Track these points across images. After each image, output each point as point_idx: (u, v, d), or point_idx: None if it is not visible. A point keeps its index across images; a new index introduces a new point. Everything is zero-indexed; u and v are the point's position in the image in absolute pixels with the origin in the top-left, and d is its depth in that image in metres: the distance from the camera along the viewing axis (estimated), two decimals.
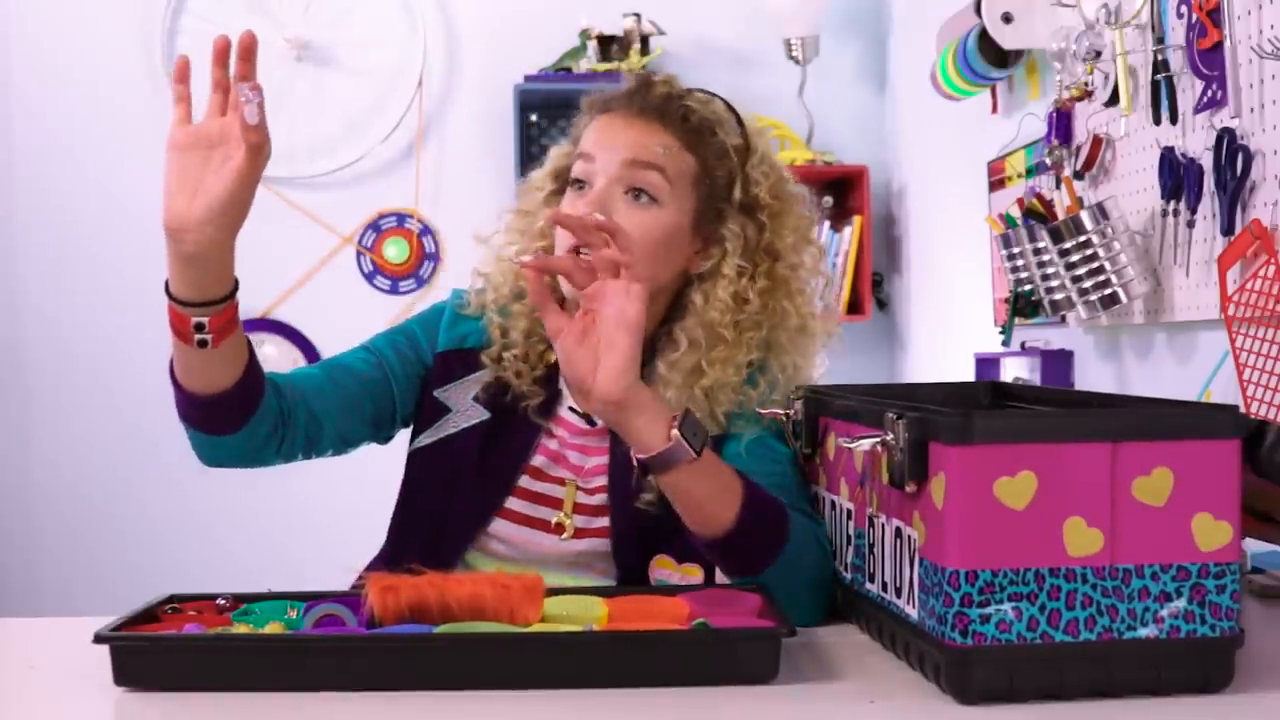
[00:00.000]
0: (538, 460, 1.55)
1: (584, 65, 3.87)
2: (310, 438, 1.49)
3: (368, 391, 1.54)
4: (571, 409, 1.57)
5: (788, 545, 1.32)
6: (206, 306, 1.30)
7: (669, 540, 1.46)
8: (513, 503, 1.55)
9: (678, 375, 1.50)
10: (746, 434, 1.50)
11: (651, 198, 1.49)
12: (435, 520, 1.56)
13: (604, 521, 1.53)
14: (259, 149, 1.25)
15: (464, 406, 1.56)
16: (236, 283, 1.33)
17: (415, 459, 1.59)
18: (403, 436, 1.65)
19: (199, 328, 1.30)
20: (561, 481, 1.55)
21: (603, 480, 1.54)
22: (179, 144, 1.30)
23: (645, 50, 3.89)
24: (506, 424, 1.55)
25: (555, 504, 1.54)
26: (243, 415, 1.40)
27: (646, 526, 1.50)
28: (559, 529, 1.53)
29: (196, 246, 1.27)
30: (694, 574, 1.45)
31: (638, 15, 3.89)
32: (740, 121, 1.60)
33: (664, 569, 1.47)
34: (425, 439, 1.57)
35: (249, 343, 1.39)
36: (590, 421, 1.57)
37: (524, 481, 1.55)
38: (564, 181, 1.57)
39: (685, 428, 1.26)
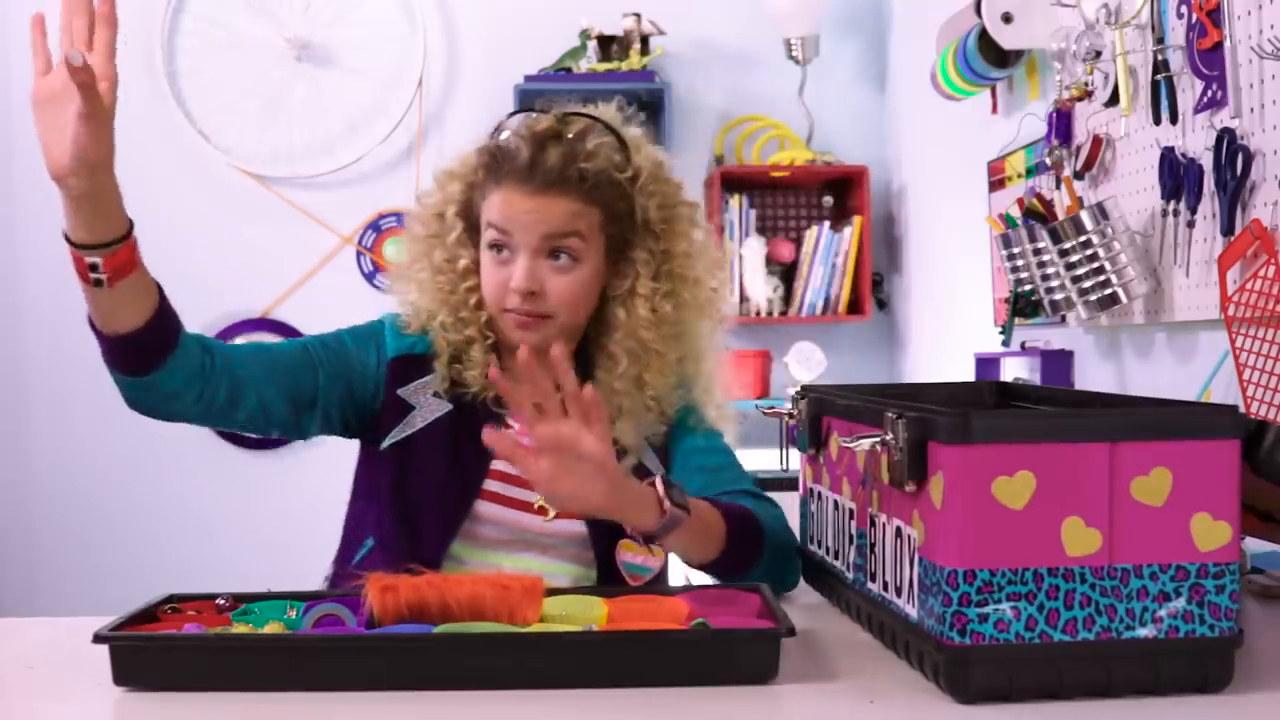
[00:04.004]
0: None
1: (584, 65, 3.88)
2: (232, 397, 1.55)
3: (290, 366, 1.61)
4: None
5: (766, 542, 1.51)
6: (100, 248, 1.37)
7: None
8: (491, 484, 1.63)
9: (625, 385, 1.65)
10: (699, 429, 1.70)
11: (573, 258, 1.62)
12: (417, 510, 1.61)
13: None
14: (89, 87, 1.28)
15: (426, 402, 1.65)
16: (130, 225, 1.40)
17: (387, 456, 1.64)
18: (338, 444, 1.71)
19: (93, 268, 1.38)
20: None
21: None
22: (36, 98, 1.35)
23: (645, 50, 3.89)
24: (469, 414, 1.64)
25: (529, 485, 1.58)
26: (155, 356, 1.47)
27: None
28: (542, 511, 1.62)
29: (78, 190, 1.34)
30: (658, 554, 1.60)
31: (638, 15, 3.89)
32: (623, 142, 1.68)
33: (629, 552, 1.59)
34: (396, 435, 1.64)
35: (160, 290, 1.46)
36: None
37: (498, 464, 1.63)
38: (473, 222, 1.67)
39: (673, 497, 1.40)
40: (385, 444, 1.63)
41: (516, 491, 1.63)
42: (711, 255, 1.72)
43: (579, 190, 1.61)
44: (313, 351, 1.63)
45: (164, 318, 1.46)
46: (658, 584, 1.65)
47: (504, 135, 1.66)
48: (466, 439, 1.63)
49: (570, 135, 1.63)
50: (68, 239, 1.38)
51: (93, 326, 1.45)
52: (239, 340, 3.93)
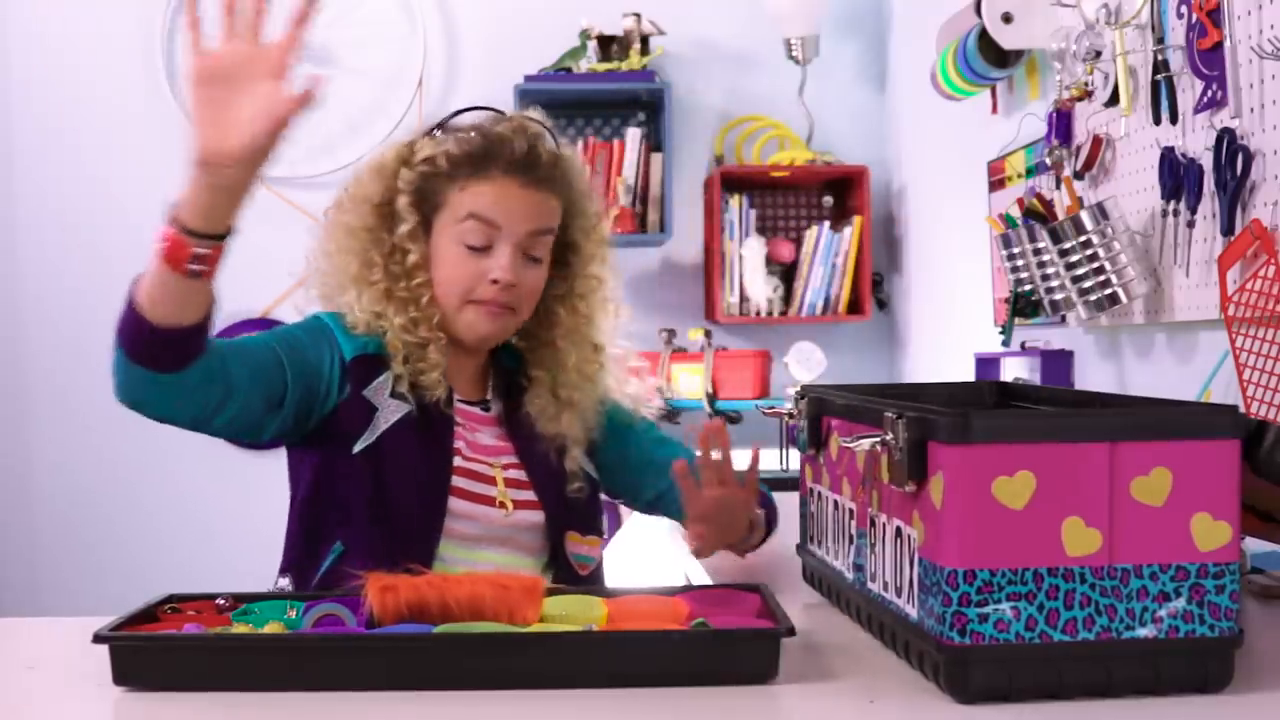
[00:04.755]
0: (459, 443, 1.67)
1: (584, 65, 3.87)
2: (222, 401, 1.50)
3: (266, 366, 1.57)
4: (462, 401, 1.71)
5: (772, 508, 1.76)
6: (211, 239, 1.32)
7: (580, 518, 1.72)
8: (458, 480, 1.64)
9: (576, 379, 1.73)
10: (635, 420, 1.82)
11: (543, 253, 1.69)
12: (398, 511, 1.60)
13: (530, 495, 1.68)
14: (305, 104, 1.29)
15: (386, 403, 1.63)
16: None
17: (356, 460, 1.61)
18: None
19: (197, 258, 1.31)
20: (487, 463, 1.68)
21: (511, 459, 1.70)
22: (199, 76, 1.28)
23: (645, 50, 3.89)
24: (425, 413, 1.64)
25: (489, 480, 1.66)
26: (189, 356, 1.42)
27: (573, 508, 1.71)
28: (502, 506, 1.66)
29: (229, 179, 1.29)
30: (595, 544, 1.72)
31: (638, 15, 3.89)
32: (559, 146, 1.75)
33: (575, 543, 1.70)
34: (368, 438, 1.61)
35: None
36: (485, 408, 1.74)
37: (459, 461, 1.65)
38: (424, 213, 1.66)
39: (766, 509, 1.69)
40: (358, 448, 1.60)
41: (480, 487, 1.65)
42: (613, 256, 1.81)
43: (558, 188, 1.68)
44: (279, 350, 1.59)
45: (209, 323, 1.42)
46: (597, 581, 1.74)
47: (468, 130, 1.67)
48: (430, 437, 1.64)
49: (542, 133, 1.69)
50: (178, 224, 1.31)
51: (137, 316, 1.36)
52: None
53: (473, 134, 1.67)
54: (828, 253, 3.86)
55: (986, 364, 2.83)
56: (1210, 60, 1.94)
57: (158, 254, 1.32)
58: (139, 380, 1.43)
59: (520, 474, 1.69)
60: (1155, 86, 2.10)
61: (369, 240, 1.67)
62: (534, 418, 1.72)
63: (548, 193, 1.66)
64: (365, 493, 1.60)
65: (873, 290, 3.91)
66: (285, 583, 1.65)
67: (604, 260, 1.77)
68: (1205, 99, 1.96)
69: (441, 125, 1.71)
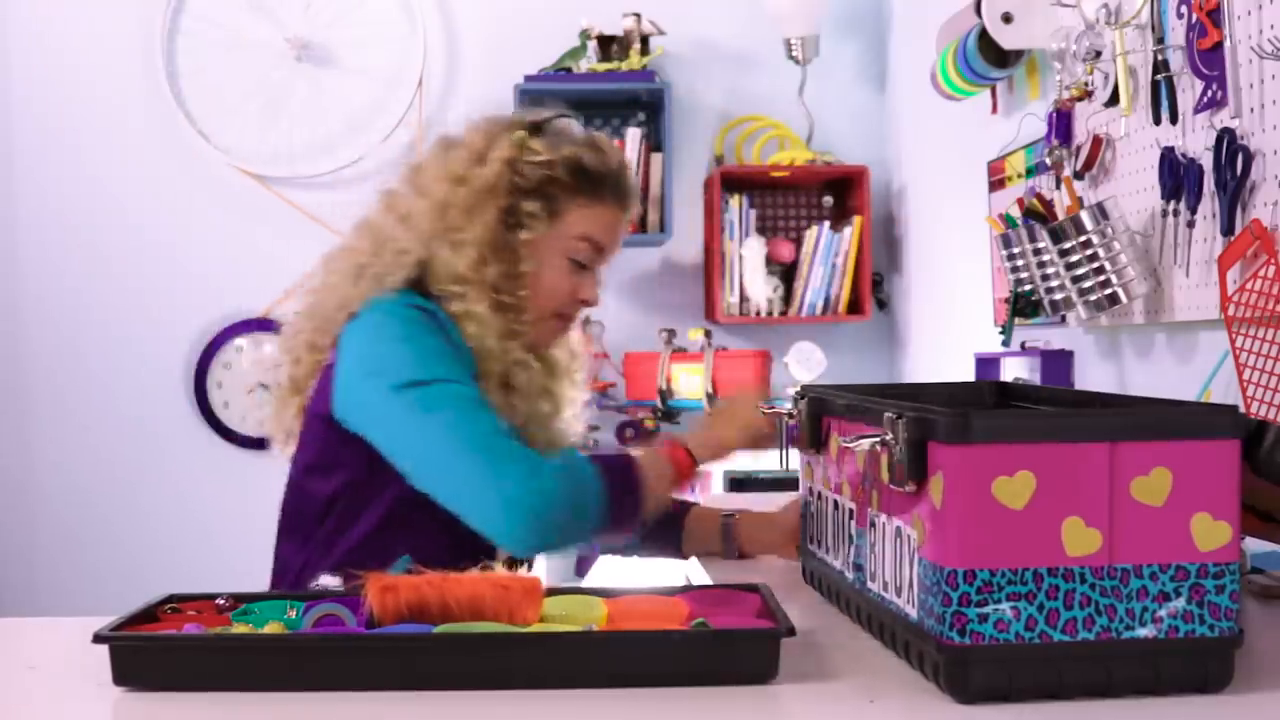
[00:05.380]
0: None
1: (584, 65, 3.87)
2: None
3: None
4: None
5: None
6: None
7: None
8: None
9: (573, 383, 1.79)
10: None
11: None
12: (464, 526, 1.57)
13: None
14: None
15: None
16: None
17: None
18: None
19: (692, 486, 1.54)
20: None
21: None
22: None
23: (645, 50, 3.89)
24: None
25: None
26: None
27: None
28: None
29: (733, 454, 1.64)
30: None
31: (638, 15, 3.89)
32: None
33: None
34: None
35: None
36: None
37: None
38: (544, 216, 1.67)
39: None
40: None
41: None
42: None
43: None
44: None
45: None
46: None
47: (586, 145, 1.67)
48: None
49: None
50: (695, 459, 1.59)
51: (643, 509, 1.55)
52: (239, 341, 3.94)
53: (595, 152, 1.66)
54: (828, 253, 3.86)
55: (986, 364, 2.83)
56: (1210, 60, 1.94)
57: (679, 474, 1.58)
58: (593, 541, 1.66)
59: None
60: (1155, 86, 2.10)
61: (485, 233, 1.61)
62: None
63: None
64: (433, 507, 1.56)
65: (873, 290, 3.91)
66: (334, 582, 1.57)
67: None
68: (1205, 99, 1.96)
69: (539, 127, 1.68)
